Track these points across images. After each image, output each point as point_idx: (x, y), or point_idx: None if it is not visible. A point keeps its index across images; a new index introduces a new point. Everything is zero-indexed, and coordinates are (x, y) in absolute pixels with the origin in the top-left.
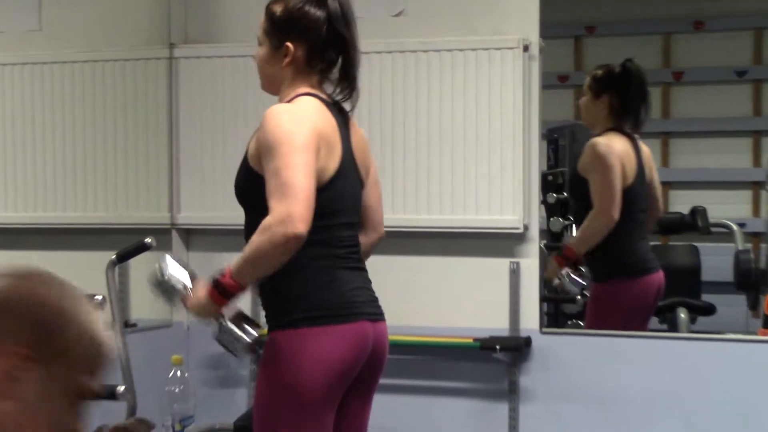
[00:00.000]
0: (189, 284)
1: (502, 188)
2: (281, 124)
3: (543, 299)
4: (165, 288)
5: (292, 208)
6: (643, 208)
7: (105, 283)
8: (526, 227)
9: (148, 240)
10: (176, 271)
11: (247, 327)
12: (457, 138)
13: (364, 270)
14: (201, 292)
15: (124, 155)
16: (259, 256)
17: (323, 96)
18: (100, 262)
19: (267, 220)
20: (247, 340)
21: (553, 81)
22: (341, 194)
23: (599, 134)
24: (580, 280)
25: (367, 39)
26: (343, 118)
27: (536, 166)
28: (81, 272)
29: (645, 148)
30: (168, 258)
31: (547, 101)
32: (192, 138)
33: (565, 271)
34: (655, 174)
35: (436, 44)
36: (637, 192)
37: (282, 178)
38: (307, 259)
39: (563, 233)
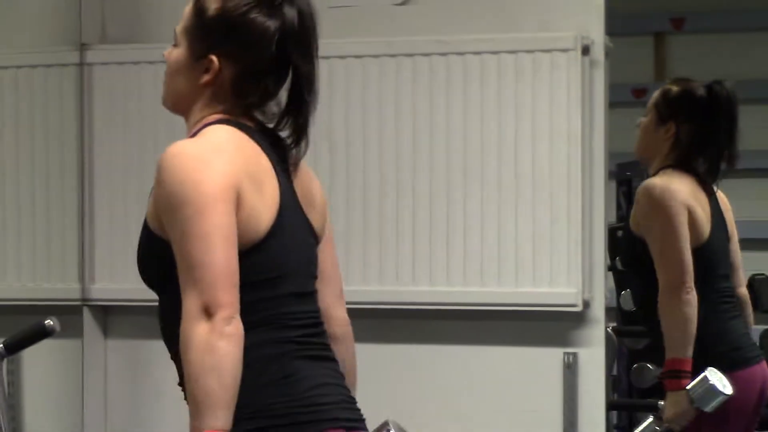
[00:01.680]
0: None
1: (553, 249)
2: (181, 173)
3: (611, 406)
4: None
5: (208, 298)
6: (726, 273)
7: None
8: (586, 304)
9: (48, 321)
10: None
11: None
12: (488, 177)
13: (332, 360)
14: None
15: (15, 203)
16: (208, 382)
17: (245, 121)
18: None
19: (187, 330)
20: None
21: (625, 96)
22: (284, 252)
23: (654, 174)
24: (720, 384)
25: (361, 37)
26: (275, 148)
27: (601, 217)
28: None
29: (721, 194)
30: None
31: (618, 124)
32: (110, 176)
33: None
34: (735, 230)
35: (459, 44)
36: (715, 251)
37: (189, 258)
38: (248, 345)
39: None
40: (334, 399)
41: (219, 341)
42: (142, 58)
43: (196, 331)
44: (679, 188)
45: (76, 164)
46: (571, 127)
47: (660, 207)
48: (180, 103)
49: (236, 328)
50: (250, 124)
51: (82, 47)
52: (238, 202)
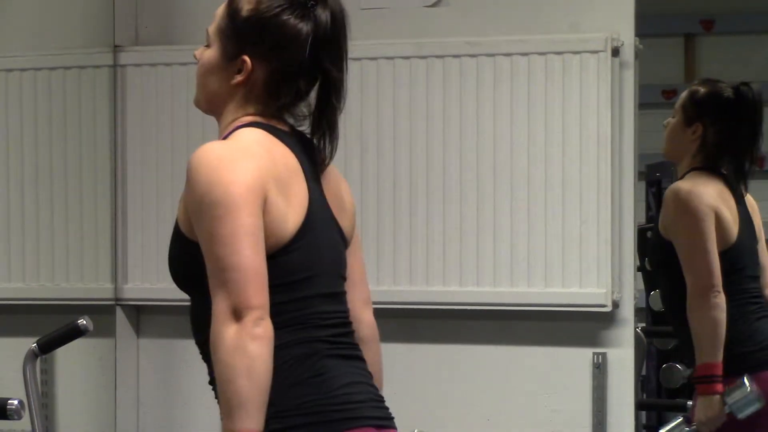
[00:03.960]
0: None
1: (583, 249)
2: (210, 174)
3: (640, 406)
4: None
5: (239, 300)
6: (754, 274)
7: (22, 381)
8: (615, 304)
9: (81, 321)
10: None
11: None
12: (518, 178)
13: (360, 359)
14: None
15: (48, 204)
16: (240, 383)
17: (276, 124)
18: (16, 352)
19: (216, 332)
20: None
21: (655, 97)
22: (313, 253)
23: (681, 176)
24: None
25: (392, 39)
26: (307, 151)
27: (630, 217)
28: None
29: (749, 196)
30: None
31: (647, 125)
32: (143, 177)
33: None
34: (762, 231)
35: (489, 46)
36: (743, 252)
37: (218, 260)
38: (278, 345)
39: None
40: (364, 397)
41: (250, 343)
42: (175, 60)
43: (227, 333)
44: (705, 191)
45: (108, 165)
46: (601, 128)
47: (687, 210)
48: (213, 103)
49: (266, 330)
50: (281, 126)
51: (116, 49)
52: (265, 206)
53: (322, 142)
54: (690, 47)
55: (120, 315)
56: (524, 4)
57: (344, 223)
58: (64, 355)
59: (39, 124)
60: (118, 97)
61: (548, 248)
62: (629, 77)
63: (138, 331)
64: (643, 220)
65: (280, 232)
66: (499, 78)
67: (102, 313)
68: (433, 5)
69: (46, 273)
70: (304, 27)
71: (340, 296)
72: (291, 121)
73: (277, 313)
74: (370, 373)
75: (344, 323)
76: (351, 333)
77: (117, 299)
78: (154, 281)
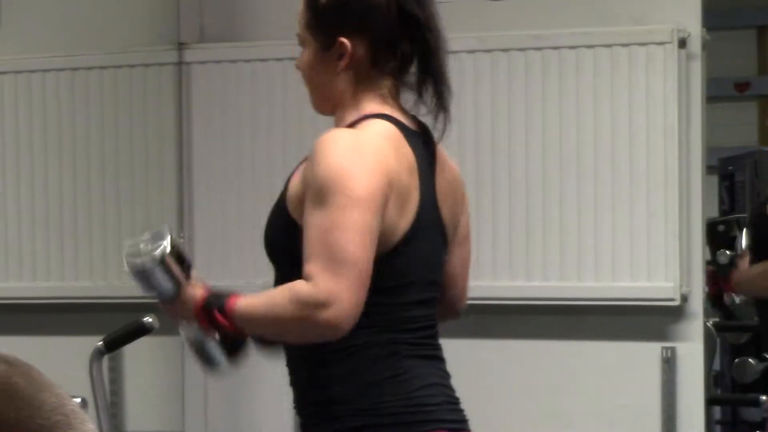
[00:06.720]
0: (182, 279)
1: (651, 243)
2: (339, 161)
3: (711, 401)
4: (149, 270)
5: (345, 295)
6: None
7: (88, 379)
8: (684, 298)
9: (147, 319)
10: (174, 254)
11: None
12: (583, 172)
13: (441, 360)
14: (193, 298)
15: (115, 202)
16: (276, 323)
17: (402, 118)
18: (82, 351)
19: (307, 292)
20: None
21: (726, 90)
22: (414, 262)
23: None
24: None
25: (455, 33)
26: (428, 151)
27: (699, 211)
28: (55, 365)
29: None
30: (168, 234)
31: (718, 119)
32: (209, 175)
33: None
34: None
35: (553, 39)
36: None
37: (333, 244)
38: (361, 343)
39: (740, 308)
40: (440, 400)
41: (324, 332)
42: (240, 57)
43: (314, 305)
44: None
45: (175, 163)
46: (668, 121)
47: None
48: (327, 101)
49: (338, 332)
50: (404, 119)
51: (180, 46)
52: (382, 210)
53: (436, 107)
54: (764, 39)
55: None
56: None
57: (451, 220)
58: (131, 353)
59: (105, 122)
60: (183, 94)
61: (616, 242)
62: (696, 69)
63: None
64: (715, 213)
65: (386, 239)
66: (564, 71)
67: None
68: None
69: (113, 271)
70: None
71: (431, 301)
72: (408, 98)
73: (367, 313)
74: (448, 374)
75: (429, 326)
76: (434, 335)
77: None
78: (220, 278)
